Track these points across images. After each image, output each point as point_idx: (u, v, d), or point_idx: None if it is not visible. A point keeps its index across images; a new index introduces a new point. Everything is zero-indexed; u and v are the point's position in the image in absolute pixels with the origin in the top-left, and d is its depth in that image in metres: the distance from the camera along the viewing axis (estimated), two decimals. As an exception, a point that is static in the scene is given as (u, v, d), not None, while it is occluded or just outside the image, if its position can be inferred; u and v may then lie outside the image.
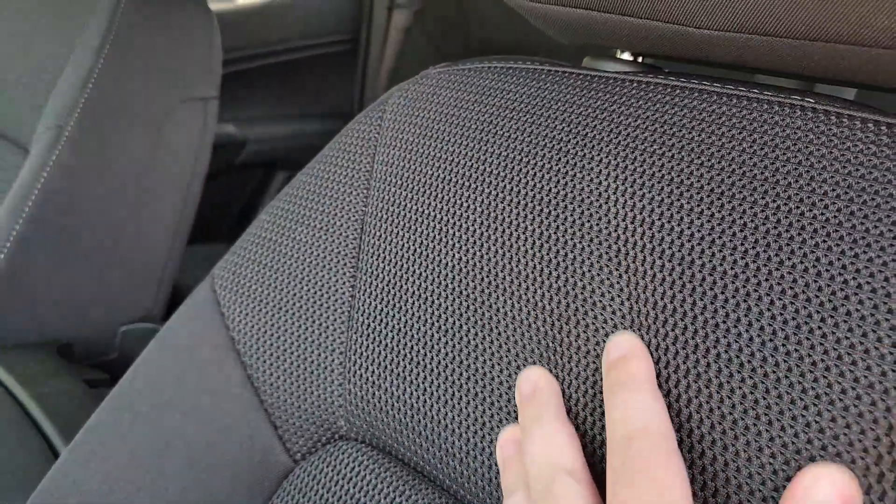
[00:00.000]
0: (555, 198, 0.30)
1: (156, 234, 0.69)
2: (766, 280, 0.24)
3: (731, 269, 0.25)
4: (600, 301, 0.28)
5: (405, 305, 0.34)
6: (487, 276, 0.31)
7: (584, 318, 0.28)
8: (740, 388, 0.24)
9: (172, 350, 0.39)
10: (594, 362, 0.27)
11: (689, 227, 0.26)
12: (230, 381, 0.38)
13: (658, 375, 0.25)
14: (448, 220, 0.33)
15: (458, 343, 0.31)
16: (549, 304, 0.29)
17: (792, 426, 0.22)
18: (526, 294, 0.30)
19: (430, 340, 0.32)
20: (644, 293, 0.26)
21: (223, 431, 0.37)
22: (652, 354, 0.26)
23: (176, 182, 0.69)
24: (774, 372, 0.23)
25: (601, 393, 0.27)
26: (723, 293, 0.25)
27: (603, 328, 0.27)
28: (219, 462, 0.37)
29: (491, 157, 0.33)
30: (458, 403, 0.31)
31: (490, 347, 0.30)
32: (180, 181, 0.70)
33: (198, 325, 0.39)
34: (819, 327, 0.23)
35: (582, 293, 0.28)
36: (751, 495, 0.23)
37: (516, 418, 0.29)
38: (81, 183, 0.62)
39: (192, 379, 0.38)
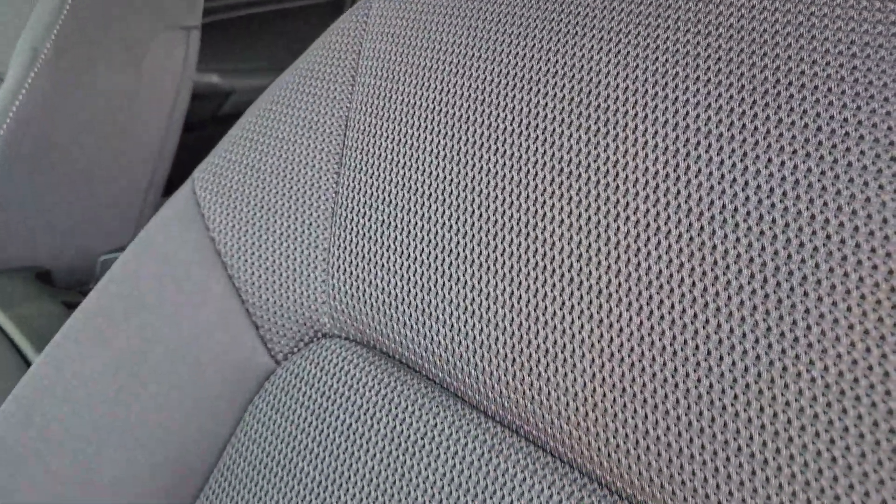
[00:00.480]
0: (545, 76, 0.29)
1: (136, 166, 0.67)
2: (765, 139, 0.23)
3: (728, 131, 0.24)
4: (585, 173, 0.27)
5: (390, 197, 0.33)
6: (473, 159, 0.30)
7: (567, 192, 0.27)
8: (734, 248, 0.23)
9: (151, 253, 0.38)
10: (576, 236, 0.26)
11: (684, 94, 0.25)
12: (210, 282, 0.37)
13: (648, 242, 0.24)
14: (435, 108, 0.32)
15: (443, 230, 0.30)
16: (535, 180, 0.28)
17: (788, 280, 0.22)
18: (510, 172, 0.29)
19: (415, 230, 0.31)
20: (635, 160, 0.26)
21: (203, 333, 0.36)
22: (640, 221, 0.25)
23: (157, 113, 0.67)
24: (771, 228, 0.22)
25: (577, 275, 0.26)
26: (718, 155, 0.24)
27: (586, 199, 0.26)
28: (199, 364, 0.36)
29: (479, 41, 0.32)
30: (442, 290, 0.30)
31: (472, 231, 0.29)
32: (161, 113, 0.68)
33: (177, 228, 0.38)
34: (819, 180, 0.22)
35: (567, 167, 0.27)
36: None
37: (505, 302, 0.28)
38: (58, 107, 0.60)
39: (171, 281, 0.37)
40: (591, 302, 0.26)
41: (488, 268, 0.29)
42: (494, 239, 0.29)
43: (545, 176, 0.28)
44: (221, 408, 0.36)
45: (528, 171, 0.29)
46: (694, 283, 0.24)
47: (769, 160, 0.23)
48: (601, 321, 0.26)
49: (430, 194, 0.31)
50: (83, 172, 0.64)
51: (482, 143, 0.30)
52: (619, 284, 0.26)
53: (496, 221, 0.29)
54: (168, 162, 0.72)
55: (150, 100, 0.67)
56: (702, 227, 0.24)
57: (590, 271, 0.26)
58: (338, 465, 0.31)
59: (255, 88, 1.21)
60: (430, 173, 0.31)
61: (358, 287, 0.33)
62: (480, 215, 0.29)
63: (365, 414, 0.31)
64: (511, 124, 0.30)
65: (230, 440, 0.36)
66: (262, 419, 0.34)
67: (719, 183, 0.24)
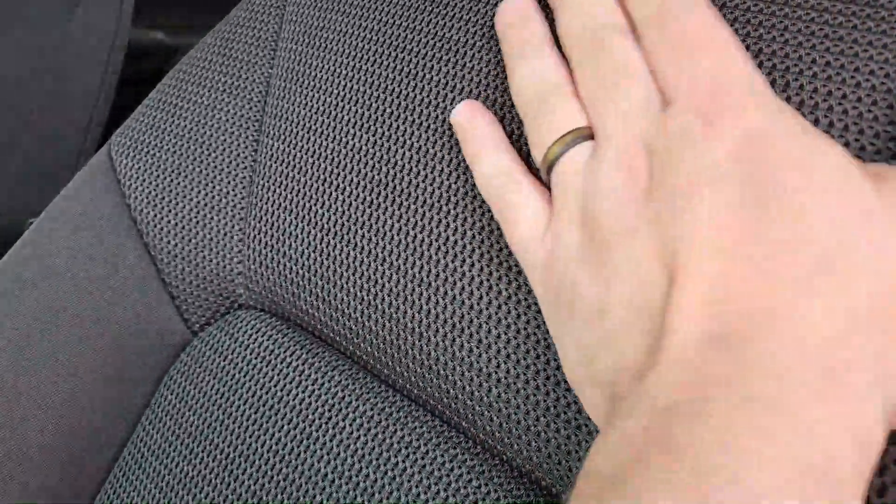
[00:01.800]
0: (459, 46, 0.29)
1: (67, 127, 0.65)
2: None
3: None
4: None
5: (307, 166, 0.32)
6: (390, 130, 0.30)
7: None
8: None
9: (65, 217, 0.37)
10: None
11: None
12: (125, 250, 0.36)
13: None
14: (355, 76, 0.32)
15: (356, 202, 0.30)
16: (450, 154, 0.28)
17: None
18: (426, 145, 0.29)
19: (329, 200, 0.31)
20: None
21: (117, 301, 0.35)
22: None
23: (89, 73, 0.64)
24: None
25: (478, 250, 0.26)
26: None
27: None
28: (112, 333, 0.35)
29: (401, 9, 0.31)
30: (353, 262, 0.30)
31: (385, 203, 0.29)
32: (94, 73, 0.66)
33: (92, 192, 0.37)
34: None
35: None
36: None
37: (414, 276, 0.28)
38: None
39: (84, 247, 0.36)
40: (490, 275, 0.26)
41: (399, 241, 0.28)
42: (407, 212, 0.29)
43: (459, 150, 0.28)
44: (136, 378, 0.35)
45: (444, 143, 0.28)
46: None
47: None
48: (500, 294, 0.26)
49: (345, 164, 0.31)
50: (11, 134, 0.61)
51: (399, 115, 0.30)
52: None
53: (409, 194, 0.29)
54: (101, 122, 0.70)
55: (80, 58, 0.64)
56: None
57: (485, 250, 0.26)
58: (247, 437, 0.30)
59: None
60: (346, 143, 0.31)
61: (273, 258, 0.32)
62: (394, 188, 0.29)
63: (275, 386, 0.31)
64: (429, 95, 0.29)
65: (144, 412, 0.35)
66: (176, 390, 0.34)
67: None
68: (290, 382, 0.30)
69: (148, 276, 0.35)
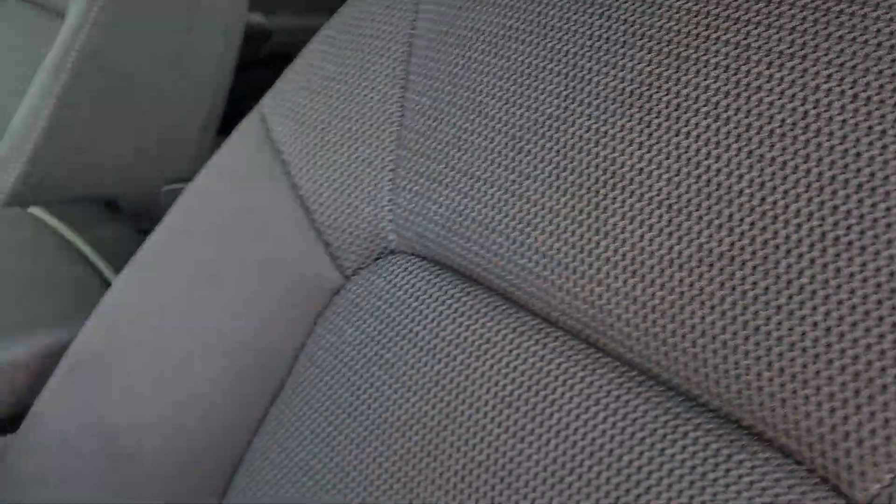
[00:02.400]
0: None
1: (193, 102, 0.70)
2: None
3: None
4: (653, 92, 0.28)
5: (455, 119, 0.34)
6: (540, 81, 0.31)
7: (636, 110, 0.28)
8: (792, 159, 0.24)
9: (223, 175, 0.41)
10: (640, 151, 0.28)
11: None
12: (281, 203, 0.39)
13: (718, 158, 0.26)
14: (501, 32, 0.33)
15: (507, 149, 0.32)
16: (602, 101, 0.29)
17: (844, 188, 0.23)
18: (578, 94, 0.30)
19: (480, 149, 0.33)
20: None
21: (275, 250, 0.39)
22: (704, 136, 0.26)
23: (212, 49, 0.69)
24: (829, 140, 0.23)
25: (640, 187, 0.27)
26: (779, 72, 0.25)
27: (652, 115, 0.28)
28: (271, 280, 0.38)
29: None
30: (506, 206, 0.32)
31: (538, 149, 0.31)
32: (216, 50, 0.70)
33: (247, 151, 0.40)
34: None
35: (638, 88, 0.29)
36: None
37: (561, 213, 0.30)
38: (120, 42, 0.62)
39: (243, 202, 0.40)
40: (651, 212, 0.28)
41: (552, 183, 0.30)
42: (558, 155, 0.30)
43: (611, 96, 0.29)
44: (293, 320, 0.38)
45: (593, 91, 0.30)
46: (753, 194, 0.25)
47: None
48: (661, 231, 0.27)
49: (497, 116, 0.33)
50: (145, 106, 0.67)
51: (548, 66, 0.31)
52: (687, 197, 0.27)
53: (560, 139, 0.30)
54: (222, 99, 0.74)
55: (205, 36, 0.69)
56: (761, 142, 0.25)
57: (651, 184, 0.28)
58: (407, 369, 0.33)
59: (296, 28, 1.21)
60: (496, 95, 0.33)
61: (423, 205, 0.35)
62: (545, 134, 0.31)
63: (432, 322, 0.33)
64: (574, 46, 0.31)
65: (302, 350, 0.38)
66: (332, 330, 0.37)
67: (779, 99, 0.25)
68: (447, 319, 0.33)
69: (302, 226, 0.38)
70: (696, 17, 0.29)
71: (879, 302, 0.22)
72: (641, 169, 0.28)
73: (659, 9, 0.29)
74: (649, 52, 0.29)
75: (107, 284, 0.49)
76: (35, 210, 0.57)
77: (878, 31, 0.24)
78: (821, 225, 0.24)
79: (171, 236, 0.41)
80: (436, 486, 0.30)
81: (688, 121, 0.28)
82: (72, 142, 0.65)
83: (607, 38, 0.30)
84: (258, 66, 1.25)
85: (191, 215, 0.41)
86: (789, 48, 0.26)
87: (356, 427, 0.34)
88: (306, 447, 0.35)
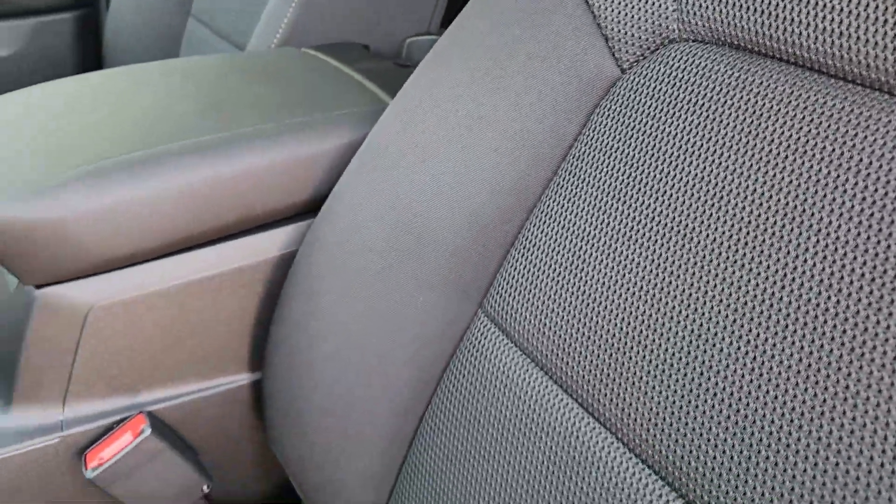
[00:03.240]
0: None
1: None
2: None
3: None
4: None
5: None
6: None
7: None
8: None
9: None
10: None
11: None
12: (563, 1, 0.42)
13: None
14: None
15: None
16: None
17: None
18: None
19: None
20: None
21: (558, 43, 0.42)
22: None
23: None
24: None
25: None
26: None
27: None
28: (552, 71, 0.42)
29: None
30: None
31: None
32: None
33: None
34: None
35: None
36: None
37: None
38: None
39: (527, 2, 0.43)
40: None
41: None
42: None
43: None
44: (571, 110, 0.42)
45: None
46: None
47: None
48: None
49: None
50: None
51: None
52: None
53: None
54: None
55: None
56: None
57: None
58: (688, 146, 0.35)
59: None
60: None
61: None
62: None
63: (716, 103, 0.35)
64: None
65: (577, 138, 0.42)
66: (607, 122, 0.40)
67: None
68: (732, 98, 0.34)
69: (584, 21, 0.41)
70: None
71: None
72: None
73: None
74: None
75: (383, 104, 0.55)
76: (306, 49, 0.64)
77: None
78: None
79: (459, 31, 0.46)
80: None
81: None
82: (322, 6, 0.72)
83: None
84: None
85: (478, 14, 0.45)
86: None
87: (638, 193, 0.37)
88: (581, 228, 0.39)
